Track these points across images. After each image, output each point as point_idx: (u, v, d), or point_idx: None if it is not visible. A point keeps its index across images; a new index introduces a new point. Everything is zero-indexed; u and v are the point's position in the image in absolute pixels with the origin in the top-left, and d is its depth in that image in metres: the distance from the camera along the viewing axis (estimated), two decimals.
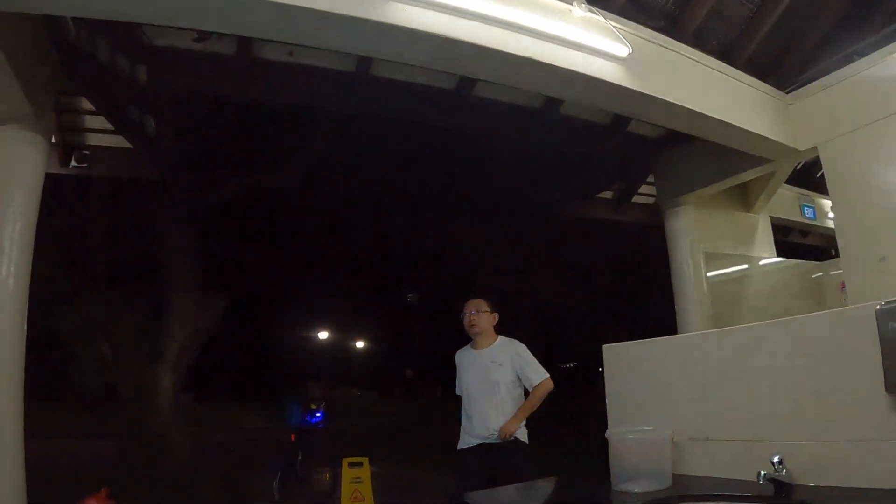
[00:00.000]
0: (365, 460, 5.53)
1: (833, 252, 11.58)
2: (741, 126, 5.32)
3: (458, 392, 3.51)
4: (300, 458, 6.76)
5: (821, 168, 10.62)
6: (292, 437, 7.00)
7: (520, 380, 3.30)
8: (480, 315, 3.41)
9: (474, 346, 3.47)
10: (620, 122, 5.68)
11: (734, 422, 2.00)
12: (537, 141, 5.54)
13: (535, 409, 3.25)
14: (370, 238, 14.30)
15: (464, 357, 3.52)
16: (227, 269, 11.35)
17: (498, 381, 3.26)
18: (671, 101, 4.43)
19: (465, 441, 3.30)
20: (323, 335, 29.10)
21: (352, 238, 14.45)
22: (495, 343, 3.42)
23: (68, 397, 19.26)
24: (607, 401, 2.67)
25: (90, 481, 7.80)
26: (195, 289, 8.28)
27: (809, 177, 10.25)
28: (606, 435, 2.15)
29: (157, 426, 8.38)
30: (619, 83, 4.03)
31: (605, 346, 2.76)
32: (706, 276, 7.03)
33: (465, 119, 4.99)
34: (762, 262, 8.18)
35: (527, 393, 3.30)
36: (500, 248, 15.12)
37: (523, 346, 3.37)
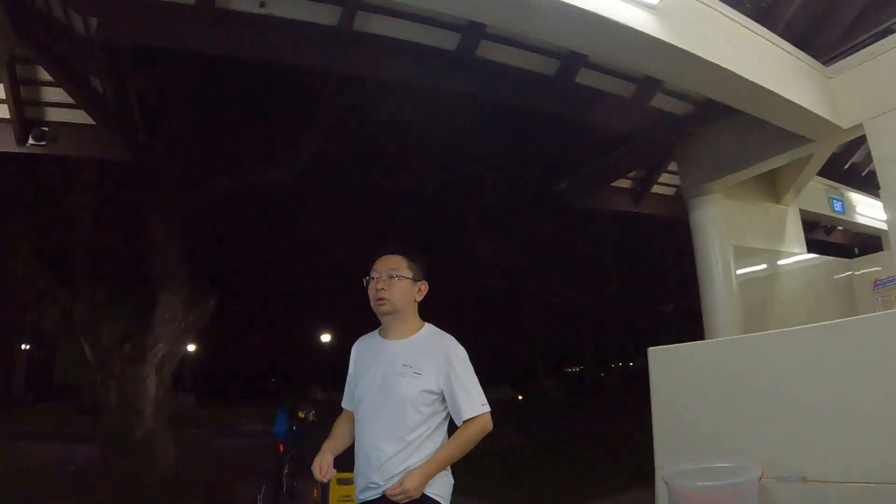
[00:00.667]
0: None
1: (856, 251, 11.11)
2: (782, 95, 4.68)
3: (344, 405, 2.23)
4: (287, 470, 6.15)
5: (848, 159, 10.09)
6: (280, 448, 6.41)
7: (444, 402, 2.02)
8: (396, 283, 2.07)
9: (383, 335, 2.15)
10: (643, 94, 5.06)
11: (844, 453, 1.36)
12: (549, 113, 4.91)
13: (458, 458, 2.00)
14: (365, 233, 13.75)
15: (365, 349, 2.19)
16: (213, 264, 10.81)
17: (408, 397, 1.96)
18: (706, 58, 3.80)
19: (357, 488, 2.05)
20: (325, 338, 28.62)
21: (349, 232, 13.92)
22: (418, 334, 2.10)
23: (43, 398, 18.94)
24: (654, 424, 2.04)
25: (62, 487, 7.42)
26: (177, 284, 7.72)
27: (836, 169, 9.68)
28: (664, 477, 1.50)
29: (138, 431, 7.84)
30: (649, 33, 3.41)
31: (650, 350, 2.13)
32: (736, 273, 6.37)
33: (467, 84, 4.36)
34: (795, 259, 7.55)
35: (452, 428, 2.05)
36: (504, 242, 14.51)
37: (460, 349, 2.08)
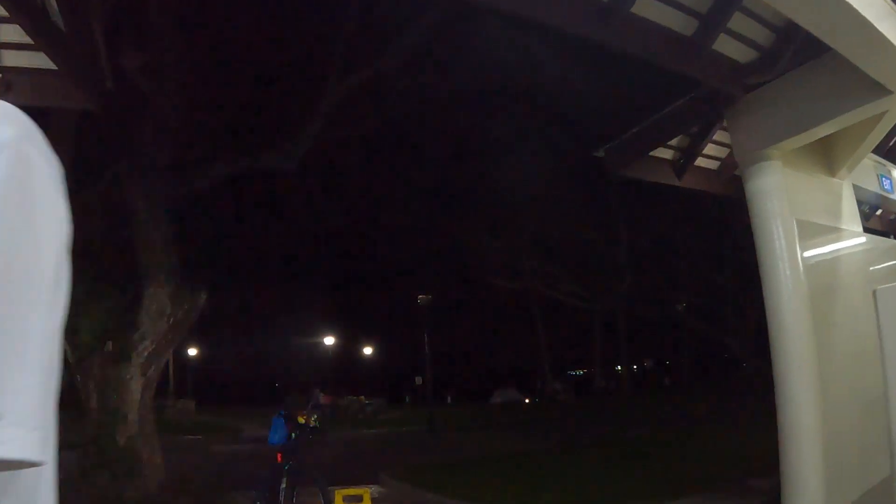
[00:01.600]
0: (365, 493, 4.10)
1: (892, 236, 10.42)
2: (878, 28, 3.90)
3: None
4: (285, 484, 5.31)
5: (892, 136, 9.35)
6: (278, 458, 5.58)
7: None
8: None
9: None
10: (705, 33, 4.27)
11: None
12: (598, 48, 4.13)
13: None
14: (371, 230, 13.00)
15: None
16: (208, 258, 10.02)
17: None
18: None
19: None
20: (328, 340, 27.81)
21: (353, 226, 13.16)
22: None
23: None
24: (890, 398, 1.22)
25: None
26: (165, 276, 6.93)
27: (880, 147, 8.96)
28: None
29: (121, 437, 7.05)
30: None
31: (880, 291, 1.40)
32: (801, 252, 5.58)
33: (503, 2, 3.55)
34: (856, 239, 6.81)
35: None
36: (514, 240, 13.72)
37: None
